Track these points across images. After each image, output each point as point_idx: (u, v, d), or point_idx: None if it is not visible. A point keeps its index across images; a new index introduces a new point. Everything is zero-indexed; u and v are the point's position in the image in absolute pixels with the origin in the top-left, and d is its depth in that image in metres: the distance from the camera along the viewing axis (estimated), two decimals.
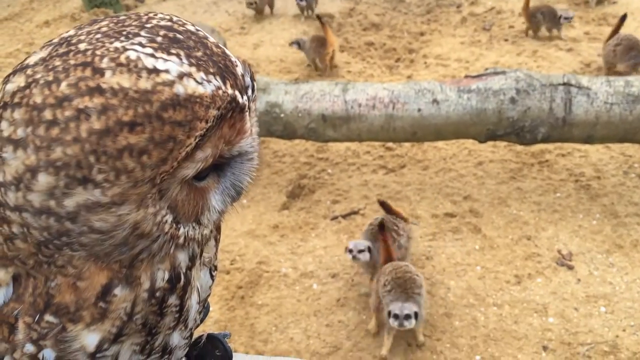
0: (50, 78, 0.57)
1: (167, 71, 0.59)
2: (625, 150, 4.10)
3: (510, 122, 3.48)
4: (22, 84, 0.58)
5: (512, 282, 3.19)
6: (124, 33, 0.61)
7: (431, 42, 5.88)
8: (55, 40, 0.63)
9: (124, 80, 0.57)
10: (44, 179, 0.57)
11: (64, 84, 0.56)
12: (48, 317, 0.63)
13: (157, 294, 0.68)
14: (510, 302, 3.06)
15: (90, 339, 0.65)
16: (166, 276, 0.69)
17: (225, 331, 0.95)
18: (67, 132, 0.56)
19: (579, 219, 3.57)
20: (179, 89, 0.58)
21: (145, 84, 0.57)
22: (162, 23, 0.64)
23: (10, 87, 0.59)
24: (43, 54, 0.61)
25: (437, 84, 3.60)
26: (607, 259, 3.29)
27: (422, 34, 6.05)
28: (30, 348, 0.64)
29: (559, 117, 3.44)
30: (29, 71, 0.59)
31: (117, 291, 0.65)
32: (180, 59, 0.60)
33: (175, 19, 0.66)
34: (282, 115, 3.70)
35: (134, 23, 0.63)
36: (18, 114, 0.56)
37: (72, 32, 0.64)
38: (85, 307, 0.64)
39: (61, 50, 0.60)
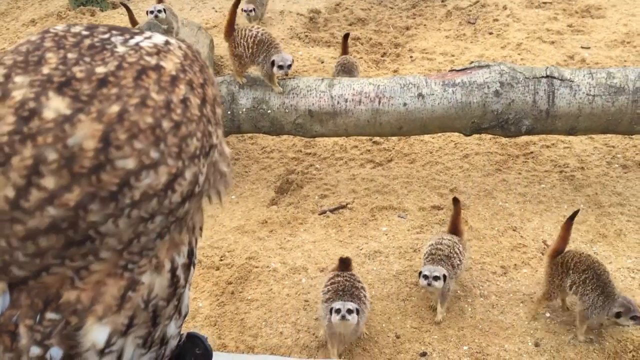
0: (141, 93, 0.58)
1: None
2: (609, 141, 4.16)
3: (494, 115, 3.52)
4: (115, 112, 0.57)
5: (498, 272, 3.23)
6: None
7: (417, 36, 5.91)
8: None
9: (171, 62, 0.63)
10: (190, 173, 0.61)
11: (155, 95, 0.59)
12: (50, 315, 0.62)
13: (177, 272, 0.69)
14: (496, 293, 3.11)
15: (99, 333, 0.64)
16: (185, 252, 0.70)
17: (203, 335, 0.96)
18: (189, 123, 0.60)
19: (564, 210, 3.62)
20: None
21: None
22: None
23: (84, 130, 0.56)
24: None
25: (422, 78, 3.63)
26: (592, 249, 3.34)
27: (407, 28, 6.08)
28: (35, 351, 0.63)
29: (543, 109, 3.48)
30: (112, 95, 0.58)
31: (145, 278, 0.65)
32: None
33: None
34: (269, 111, 3.72)
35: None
36: (139, 144, 0.57)
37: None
38: (104, 301, 0.63)
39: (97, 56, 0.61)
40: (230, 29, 3.83)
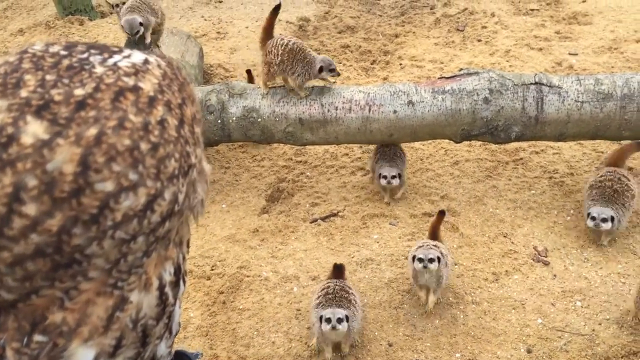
0: (119, 115, 0.58)
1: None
2: (597, 147, 4.18)
3: (484, 121, 3.53)
4: (93, 135, 0.57)
5: (489, 279, 3.23)
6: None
7: (406, 43, 5.93)
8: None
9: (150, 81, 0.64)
10: (170, 193, 0.61)
11: (132, 117, 0.59)
12: (37, 337, 0.62)
13: (166, 289, 0.69)
14: (488, 300, 3.11)
15: (84, 355, 0.63)
16: (172, 270, 0.70)
17: (198, 351, 0.95)
18: (167, 144, 0.60)
19: (554, 215, 3.64)
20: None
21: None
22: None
23: (66, 154, 0.55)
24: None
25: (412, 86, 3.64)
26: (582, 254, 3.35)
27: (396, 35, 6.10)
28: None
29: (532, 115, 3.50)
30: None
31: (133, 297, 0.65)
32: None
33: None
34: (259, 119, 3.71)
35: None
36: (117, 166, 0.56)
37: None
38: (91, 322, 0.62)
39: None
40: (266, 37, 3.77)
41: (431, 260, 2.88)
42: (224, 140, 3.87)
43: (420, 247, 2.99)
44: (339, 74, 3.74)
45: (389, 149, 3.78)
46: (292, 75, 3.64)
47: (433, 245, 3.00)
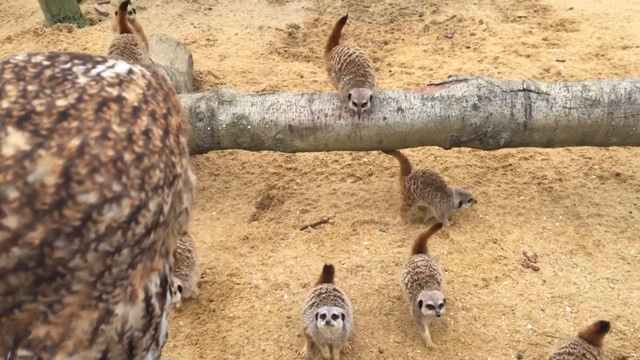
0: (102, 126, 0.57)
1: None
2: (585, 153, 4.21)
3: (473, 128, 3.55)
4: (75, 146, 0.56)
5: (480, 285, 3.24)
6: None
7: (395, 50, 5.95)
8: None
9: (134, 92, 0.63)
10: (154, 204, 0.60)
11: (116, 127, 0.58)
12: (21, 352, 0.61)
13: (152, 301, 0.68)
14: (478, 306, 3.12)
15: None
16: (158, 281, 0.69)
17: None
18: (151, 154, 0.60)
19: (543, 221, 3.66)
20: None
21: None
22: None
23: (48, 165, 0.55)
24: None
25: (401, 93, 3.66)
26: (571, 260, 3.37)
27: (386, 42, 6.12)
28: None
29: (520, 122, 3.52)
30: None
31: (119, 309, 0.64)
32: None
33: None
34: (249, 127, 3.71)
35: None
36: (100, 177, 0.56)
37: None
38: (75, 336, 0.62)
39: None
40: (332, 45, 3.77)
41: (441, 306, 2.81)
42: (214, 147, 3.86)
43: (413, 289, 2.96)
44: (358, 113, 3.53)
45: (430, 180, 3.69)
46: (341, 83, 3.60)
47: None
